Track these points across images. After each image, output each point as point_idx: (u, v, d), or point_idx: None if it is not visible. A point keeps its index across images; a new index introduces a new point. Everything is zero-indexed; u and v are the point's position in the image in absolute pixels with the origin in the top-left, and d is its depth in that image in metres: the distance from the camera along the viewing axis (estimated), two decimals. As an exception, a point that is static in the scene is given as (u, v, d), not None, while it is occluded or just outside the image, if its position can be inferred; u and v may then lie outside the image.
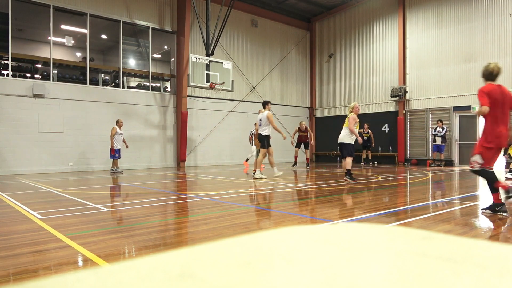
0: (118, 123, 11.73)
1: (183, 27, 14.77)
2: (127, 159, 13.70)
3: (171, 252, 0.35)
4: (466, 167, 13.48)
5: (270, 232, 0.44)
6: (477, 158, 4.50)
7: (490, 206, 4.60)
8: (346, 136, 8.35)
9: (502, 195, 4.53)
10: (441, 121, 14.02)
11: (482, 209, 4.76)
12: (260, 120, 9.19)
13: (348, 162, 8.28)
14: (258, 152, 10.09)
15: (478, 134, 14.21)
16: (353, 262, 0.35)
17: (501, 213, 4.50)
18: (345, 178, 8.30)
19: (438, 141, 13.94)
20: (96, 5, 13.33)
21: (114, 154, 11.60)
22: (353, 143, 8.33)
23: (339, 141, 8.53)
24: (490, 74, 4.52)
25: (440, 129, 13.90)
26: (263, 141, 9.16)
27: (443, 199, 5.83)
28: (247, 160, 14.38)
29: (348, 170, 8.28)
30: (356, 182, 8.15)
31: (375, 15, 17.30)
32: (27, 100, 11.83)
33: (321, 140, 19.69)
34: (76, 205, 5.39)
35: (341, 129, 8.54)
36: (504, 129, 4.40)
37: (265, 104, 9.34)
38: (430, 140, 14.93)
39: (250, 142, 14.10)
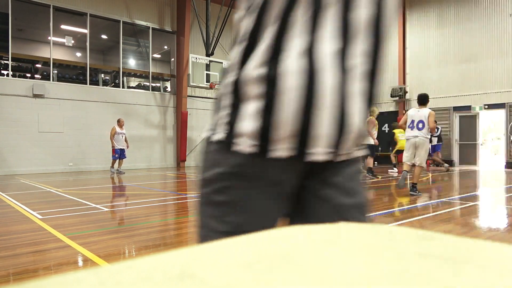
0: (119, 122, 11.48)
1: (183, 27, 14.77)
2: (127, 159, 13.70)
3: (171, 252, 0.35)
4: (467, 167, 13.47)
5: (270, 232, 0.44)
6: None
7: None
8: (369, 138, 9.44)
9: None
10: (435, 122, 14.03)
11: None
12: None
13: (369, 161, 9.51)
14: None
15: (478, 134, 14.22)
16: (353, 262, 0.35)
17: None
18: (366, 175, 9.36)
19: (434, 141, 13.96)
20: (96, 5, 13.33)
21: (114, 154, 11.46)
22: (373, 143, 9.41)
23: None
24: None
25: (435, 130, 13.90)
26: None
27: (443, 199, 5.83)
28: None
29: (370, 168, 9.42)
30: (378, 179, 9.27)
31: (375, 15, 17.30)
32: (27, 100, 11.83)
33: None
34: (76, 205, 5.39)
35: None
36: None
37: None
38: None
39: None
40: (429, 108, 6.26)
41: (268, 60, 0.74)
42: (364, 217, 0.86)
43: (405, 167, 6.36)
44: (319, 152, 0.75)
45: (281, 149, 0.74)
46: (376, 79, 0.80)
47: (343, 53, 0.74)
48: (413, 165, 6.25)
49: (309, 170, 0.81)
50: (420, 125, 6.04)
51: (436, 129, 13.94)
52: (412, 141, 6.14)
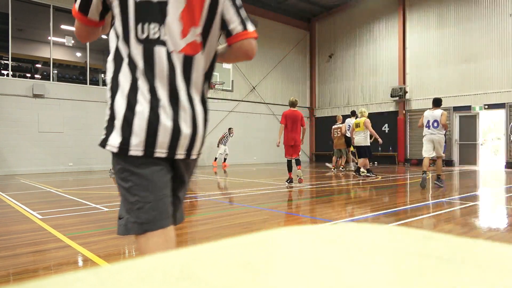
0: None
1: (183, 27, 14.75)
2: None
3: (171, 252, 0.35)
4: (466, 167, 13.48)
5: (270, 232, 0.44)
6: (285, 152, 8.03)
7: (288, 179, 8.00)
8: (363, 139, 9.59)
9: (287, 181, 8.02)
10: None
11: (286, 181, 8.09)
12: (349, 125, 11.46)
13: (366, 162, 9.67)
14: (340, 152, 12.15)
15: (478, 134, 14.23)
16: (353, 262, 0.35)
17: (289, 184, 7.92)
18: (367, 174, 9.61)
19: None
20: (96, 5, 13.32)
21: None
22: (369, 144, 9.66)
23: (357, 144, 9.69)
24: (290, 104, 8.02)
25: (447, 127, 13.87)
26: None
27: (443, 199, 5.83)
28: (215, 160, 14.35)
29: (368, 169, 9.73)
30: (374, 177, 9.53)
31: (375, 15, 17.30)
32: (27, 100, 11.83)
33: (320, 140, 19.68)
34: (76, 205, 5.39)
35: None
36: (295, 135, 7.84)
37: (354, 113, 11.60)
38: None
39: (221, 142, 14.25)
40: (429, 108, 7.05)
41: (126, 97, 1.23)
42: (180, 205, 1.46)
43: (425, 161, 7.44)
44: (162, 152, 1.26)
45: (139, 150, 1.22)
46: (199, 111, 1.34)
47: (175, 95, 1.26)
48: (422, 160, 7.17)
49: (179, 165, 1.36)
50: (435, 124, 7.25)
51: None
52: (429, 137, 7.37)
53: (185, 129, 1.28)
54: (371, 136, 15.39)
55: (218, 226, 4.00)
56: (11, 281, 2.42)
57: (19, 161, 11.63)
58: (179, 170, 1.37)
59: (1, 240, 3.42)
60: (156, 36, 1.26)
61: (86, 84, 13.22)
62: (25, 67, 13.39)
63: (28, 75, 13.25)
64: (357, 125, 9.64)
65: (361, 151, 9.66)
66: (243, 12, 1.43)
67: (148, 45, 1.25)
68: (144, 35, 1.26)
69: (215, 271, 0.31)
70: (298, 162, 7.99)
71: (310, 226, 0.45)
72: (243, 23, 1.40)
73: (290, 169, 7.99)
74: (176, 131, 1.26)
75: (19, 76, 12.68)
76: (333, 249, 0.38)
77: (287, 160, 7.99)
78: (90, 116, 13.01)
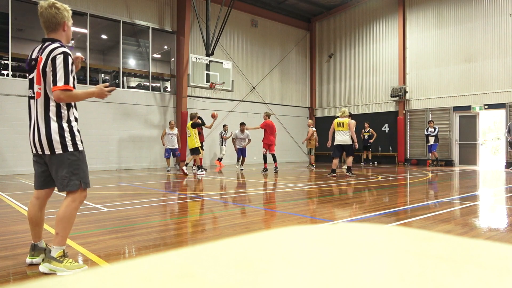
0: (170, 124, 12.65)
1: (183, 27, 14.76)
2: (127, 159, 13.68)
3: (171, 252, 0.35)
4: (467, 167, 13.49)
5: (270, 232, 0.44)
6: (264, 149, 11.37)
7: (263, 169, 11.32)
8: (350, 139, 9.73)
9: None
10: (432, 121, 14.18)
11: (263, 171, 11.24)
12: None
13: (351, 160, 10.02)
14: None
15: (478, 134, 14.22)
16: (353, 262, 0.35)
17: (264, 172, 11.20)
18: (347, 174, 9.84)
19: (431, 140, 14.03)
20: (96, 5, 13.32)
21: (165, 153, 12.68)
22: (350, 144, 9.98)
23: (343, 143, 9.73)
24: (268, 116, 11.53)
25: (432, 129, 13.98)
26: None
27: (443, 199, 5.83)
28: (219, 160, 14.55)
29: (349, 167, 9.99)
30: (354, 176, 9.80)
31: (375, 15, 17.29)
32: (27, 100, 11.82)
33: (320, 141, 19.66)
34: (76, 205, 5.37)
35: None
36: (272, 138, 11.37)
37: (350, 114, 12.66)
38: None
39: (222, 143, 14.58)
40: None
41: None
42: (57, 183, 2.85)
43: None
44: (34, 150, 2.73)
45: (33, 150, 2.75)
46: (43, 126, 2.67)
47: (35, 121, 2.69)
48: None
49: (44, 158, 2.73)
50: None
51: (434, 129, 14.01)
52: None
53: (36, 138, 2.63)
54: (371, 136, 15.48)
55: (218, 226, 4.00)
56: (11, 281, 2.42)
57: (19, 161, 11.63)
58: (45, 159, 2.70)
59: (1, 240, 3.42)
60: (31, 94, 2.71)
61: (86, 84, 13.22)
62: (25, 67, 13.38)
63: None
64: (342, 125, 9.63)
65: (348, 149, 9.86)
66: (59, 75, 2.57)
67: (29, 99, 2.74)
68: (29, 94, 2.74)
69: (215, 271, 0.31)
70: (274, 158, 11.45)
71: (310, 226, 0.45)
72: (54, 81, 2.57)
73: (265, 160, 11.49)
74: (33, 139, 2.65)
75: (19, 76, 12.67)
76: (333, 249, 0.38)
77: (264, 154, 11.46)
78: (90, 116, 13.01)
